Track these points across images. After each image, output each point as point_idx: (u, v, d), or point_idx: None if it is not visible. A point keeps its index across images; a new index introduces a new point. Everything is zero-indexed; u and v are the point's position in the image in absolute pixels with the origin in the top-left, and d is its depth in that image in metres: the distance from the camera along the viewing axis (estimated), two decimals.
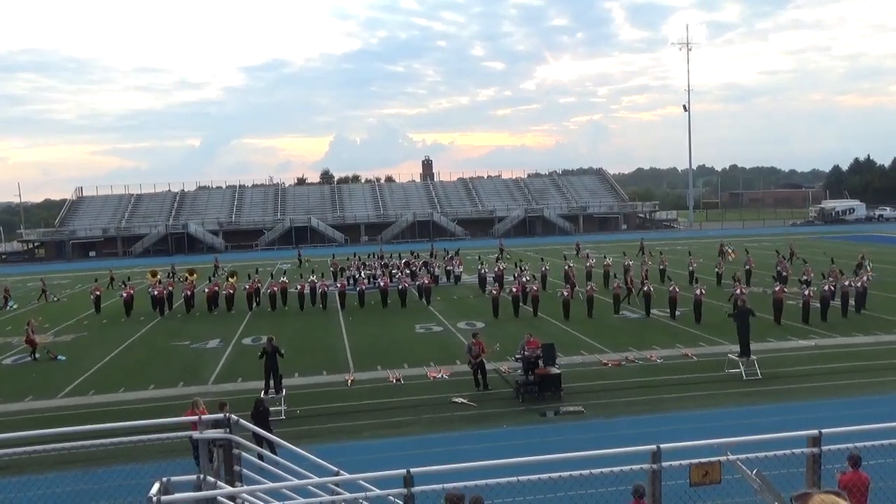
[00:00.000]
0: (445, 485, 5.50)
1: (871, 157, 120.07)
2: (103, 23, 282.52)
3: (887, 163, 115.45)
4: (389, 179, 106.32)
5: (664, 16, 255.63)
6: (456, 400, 18.12)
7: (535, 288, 30.66)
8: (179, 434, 8.18)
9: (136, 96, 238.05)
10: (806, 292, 26.60)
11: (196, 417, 6.75)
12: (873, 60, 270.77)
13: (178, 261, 57.59)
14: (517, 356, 19.20)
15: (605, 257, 40.97)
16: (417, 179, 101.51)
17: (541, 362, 18.36)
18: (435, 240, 71.53)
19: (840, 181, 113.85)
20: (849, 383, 18.40)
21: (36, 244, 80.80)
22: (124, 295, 34.42)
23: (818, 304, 26.24)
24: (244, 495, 6.09)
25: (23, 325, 32.30)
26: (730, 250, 44.39)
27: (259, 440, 9.06)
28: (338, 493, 6.61)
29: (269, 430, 12.76)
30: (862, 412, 14.95)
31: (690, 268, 36.22)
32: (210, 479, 5.80)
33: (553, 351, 19.10)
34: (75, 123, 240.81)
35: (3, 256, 79.52)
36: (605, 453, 5.71)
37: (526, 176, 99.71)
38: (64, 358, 25.15)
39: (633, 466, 5.65)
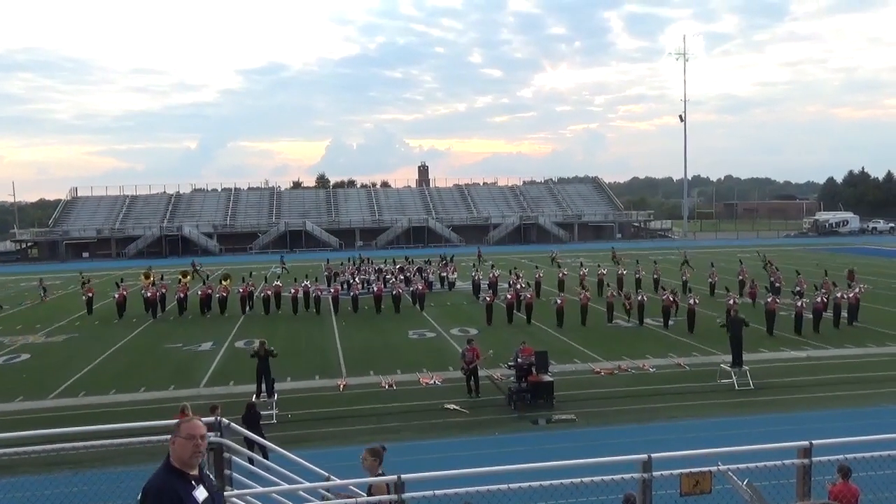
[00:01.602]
0: (436, 491, 5.49)
1: (865, 170, 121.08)
2: (103, 23, 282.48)
3: (881, 175, 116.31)
4: (385, 184, 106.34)
5: (662, 26, 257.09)
6: (448, 406, 18.11)
7: (529, 295, 30.70)
8: (170, 437, 8.14)
9: (134, 97, 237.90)
10: (798, 303, 26.70)
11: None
12: (869, 73, 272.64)
13: (171, 263, 57.42)
14: (510, 363, 19.20)
15: (598, 266, 41.03)
16: (413, 185, 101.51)
17: (534, 370, 18.38)
18: (428, 246, 71.50)
19: (834, 193, 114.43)
20: (840, 395, 18.45)
21: (29, 244, 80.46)
22: (117, 296, 34.32)
23: (811, 316, 26.35)
24: (234, 500, 6.06)
25: (14, 325, 32.27)
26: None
27: (251, 444, 9.04)
28: (328, 499, 6.61)
29: (261, 435, 12.73)
30: (853, 424, 15.00)
31: (684, 277, 36.32)
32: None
33: (546, 359, 19.11)
34: (72, 123, 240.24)
35: None
36: (596, 462, 5.71)
37: (521, 183, 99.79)
38: None
39: (624, 475, 5.65)
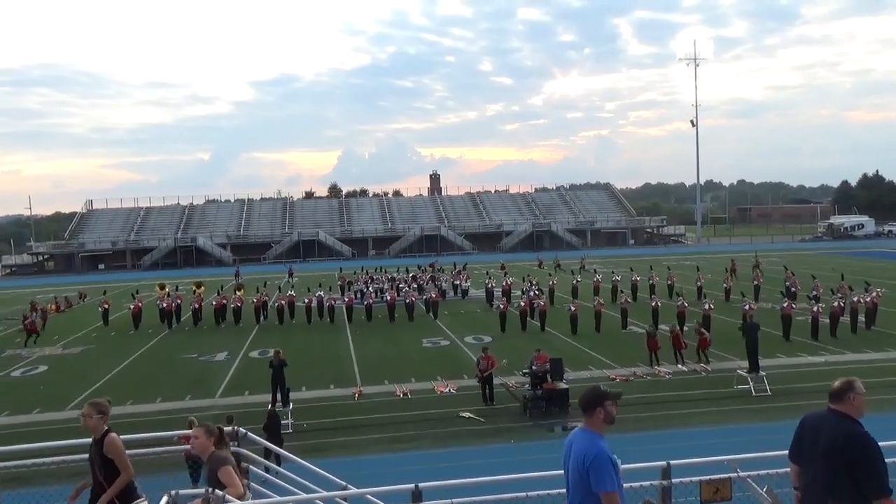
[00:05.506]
0: (453, 500, 5.48)
1: (879, 173, 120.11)
2: (118, 38, 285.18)
3: None
4: (397, 193, 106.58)
5: (672, 32, 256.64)
6: (463, 415, 18.07)
7: (542, 303, 30.61)
8: (187, 447, 8.17)
9: (148, 110, 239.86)
10: (815, 308, 26.47)
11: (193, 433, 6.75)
12: (881, 76, 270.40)
13: (185, 274, 57.60)
14: (525, 371, 19.14)
15: (612, 272, 40.89)
16: (425, 193, 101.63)
17: (549, 377, 18.31)
18: (441, 254, 71.44)
19: (849, 196, 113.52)
20: None
21: (45, 257, 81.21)
22: (132, 308, 34.54)
23: (827, 320, 26.10)
24: None
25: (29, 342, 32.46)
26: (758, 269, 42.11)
27: (267, 453, 9.08)
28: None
29: (280, 442, 12.77)
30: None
31: (699, 283, 36.10)
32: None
33: (561, 366, 19.05)
34: (87, 137, 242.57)
35: (13, 269, 79.97)
36: None
37: (533, 190, 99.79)
38: None
39: (643, 483, 5.62)
